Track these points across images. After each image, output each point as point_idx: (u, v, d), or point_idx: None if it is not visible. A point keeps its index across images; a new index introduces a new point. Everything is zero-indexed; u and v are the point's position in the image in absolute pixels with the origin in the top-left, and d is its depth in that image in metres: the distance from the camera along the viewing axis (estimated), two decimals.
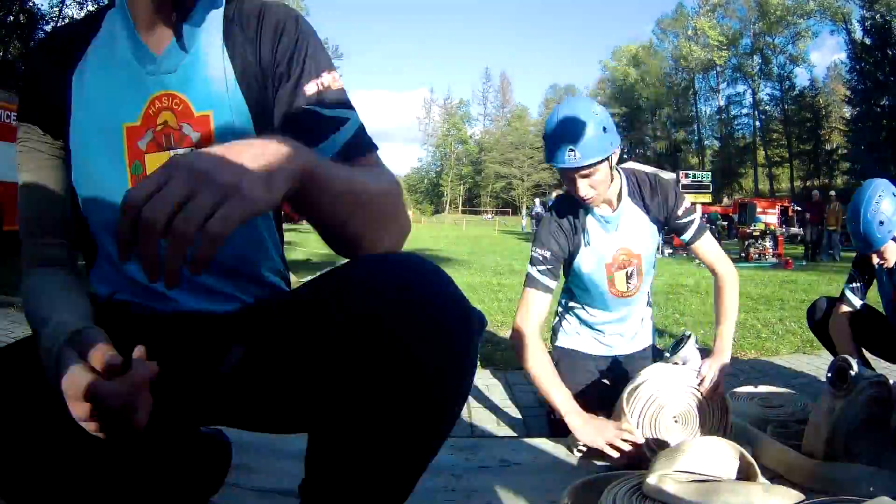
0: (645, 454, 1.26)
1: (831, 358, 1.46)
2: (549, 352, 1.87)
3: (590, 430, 1.33)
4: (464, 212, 53.78)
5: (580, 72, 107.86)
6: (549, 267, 1.54)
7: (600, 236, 1.58)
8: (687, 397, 1.34)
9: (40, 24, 16.09)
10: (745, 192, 37.80)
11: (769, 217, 14.29)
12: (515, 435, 1.84)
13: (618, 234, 1.58)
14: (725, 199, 30.04)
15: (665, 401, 1.32)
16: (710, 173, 12.49)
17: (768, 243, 10.33)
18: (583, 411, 1.38)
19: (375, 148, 0.71)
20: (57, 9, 17.03)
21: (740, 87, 41.17)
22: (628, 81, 46.65)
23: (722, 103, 42.41)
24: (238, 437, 1.42)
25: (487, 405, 2.12)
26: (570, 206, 1.59)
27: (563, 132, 1.40)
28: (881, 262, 1.81)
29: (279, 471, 1.24)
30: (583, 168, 1.41)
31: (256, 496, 1.14)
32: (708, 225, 1.68)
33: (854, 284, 1.97)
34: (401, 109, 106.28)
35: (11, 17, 15.87)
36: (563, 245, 1.57)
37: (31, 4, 16.01)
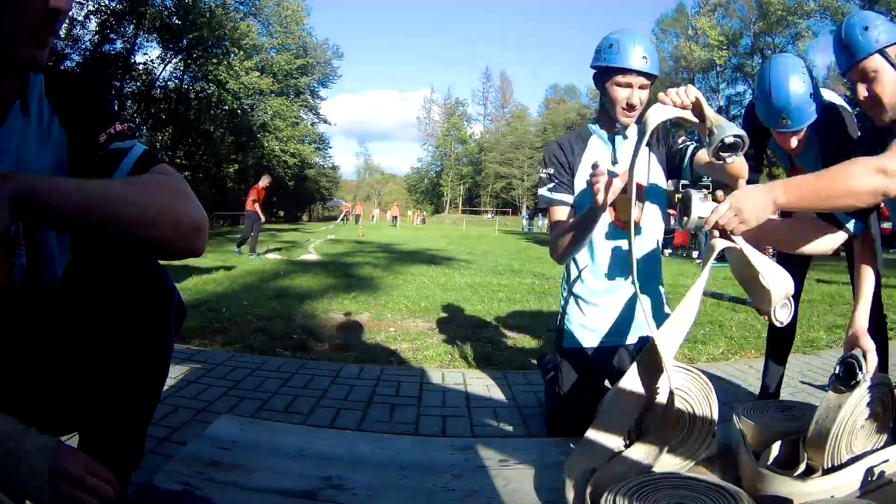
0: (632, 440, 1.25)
1: (831, 359, 1.45)
2: (555, 354, 1.87)
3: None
4: (464, 212, 53.75)
5: (580, 72, 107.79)
6: (557, 181, 1.69)
7: (602, 157, 1.69)
8: (679, 401, 1.34)
9: None
10: None
11: None
12: (515, 435, 1.84)
13: (620, 158, 1.69)
14: None
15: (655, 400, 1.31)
16: None
17: None
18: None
19: (162, 161, 0.89)
20: None
21: (740, 87, 41.09)
22: None
23: (722, 103, 42.35)
24: (238, 436, 1.42)
25: (487, 405, 2.12)
26: (575, 137, 1.76)
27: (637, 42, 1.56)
28: (788, 146, 1.70)
29: (279, 471, 1.24)
30: (653, 76, 1.58)
31: (256, 496, 1.14)
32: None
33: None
34: (402, 109, 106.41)
35: None
36: (562, 160, 1.71)
37: None
